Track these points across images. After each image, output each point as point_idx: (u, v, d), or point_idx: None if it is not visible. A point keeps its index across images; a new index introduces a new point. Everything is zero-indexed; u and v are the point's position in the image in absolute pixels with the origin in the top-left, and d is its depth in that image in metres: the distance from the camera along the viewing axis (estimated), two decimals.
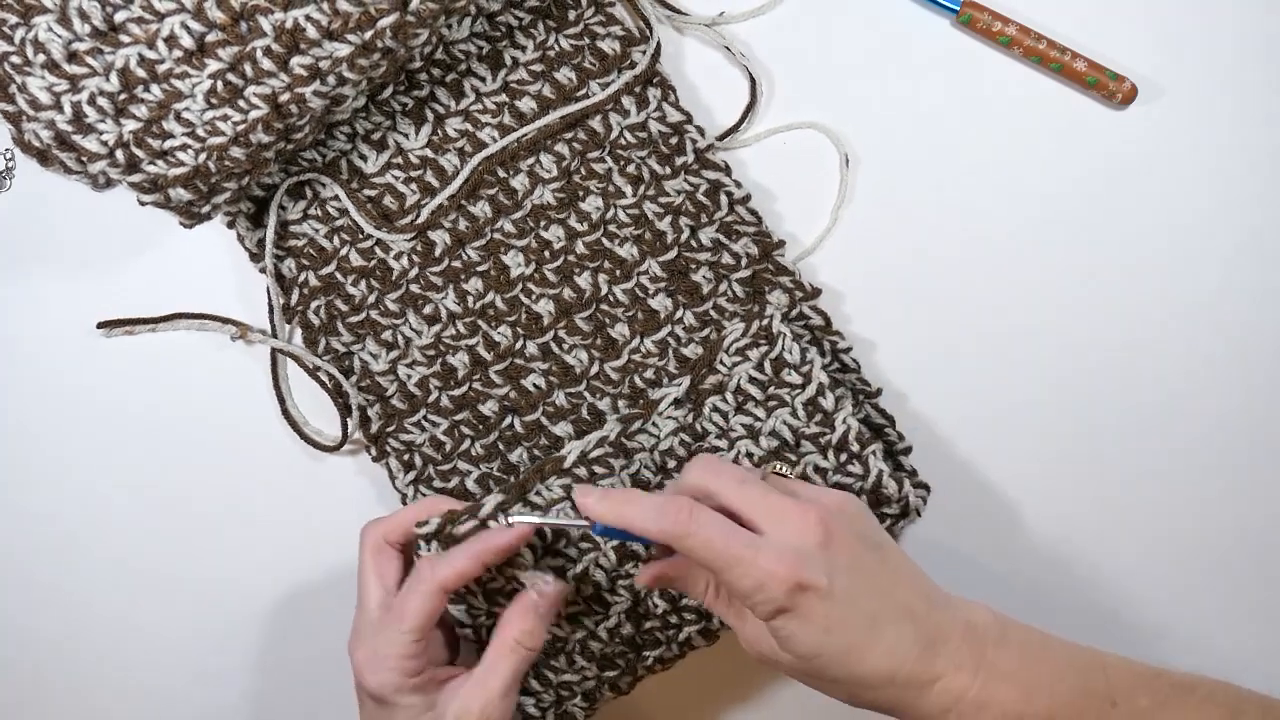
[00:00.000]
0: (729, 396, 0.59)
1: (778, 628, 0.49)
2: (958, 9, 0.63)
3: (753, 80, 0.64)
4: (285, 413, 0.64)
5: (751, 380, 0.58)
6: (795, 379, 0.58)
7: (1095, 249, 0.64)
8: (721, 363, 0.59)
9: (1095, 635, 0.62)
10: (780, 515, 0.49)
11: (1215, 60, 0.64)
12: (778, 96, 0.65)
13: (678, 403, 0.59)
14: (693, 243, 0.62)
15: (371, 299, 0.63)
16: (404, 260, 0.62)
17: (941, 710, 0.48)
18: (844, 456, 0.57)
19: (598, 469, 0.58)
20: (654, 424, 0.59)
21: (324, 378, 0.63)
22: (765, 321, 0.59)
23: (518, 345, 0.62)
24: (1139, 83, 0.63)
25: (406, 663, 0.52)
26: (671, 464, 0.59)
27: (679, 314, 0.62)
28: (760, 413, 0.58)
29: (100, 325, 0.64)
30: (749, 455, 0.58)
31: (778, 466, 0.55)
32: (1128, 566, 0.64)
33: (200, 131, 0.55)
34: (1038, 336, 0.64)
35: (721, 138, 0.64)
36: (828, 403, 0.58)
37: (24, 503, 0.65)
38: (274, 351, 0.64)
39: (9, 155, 0.65)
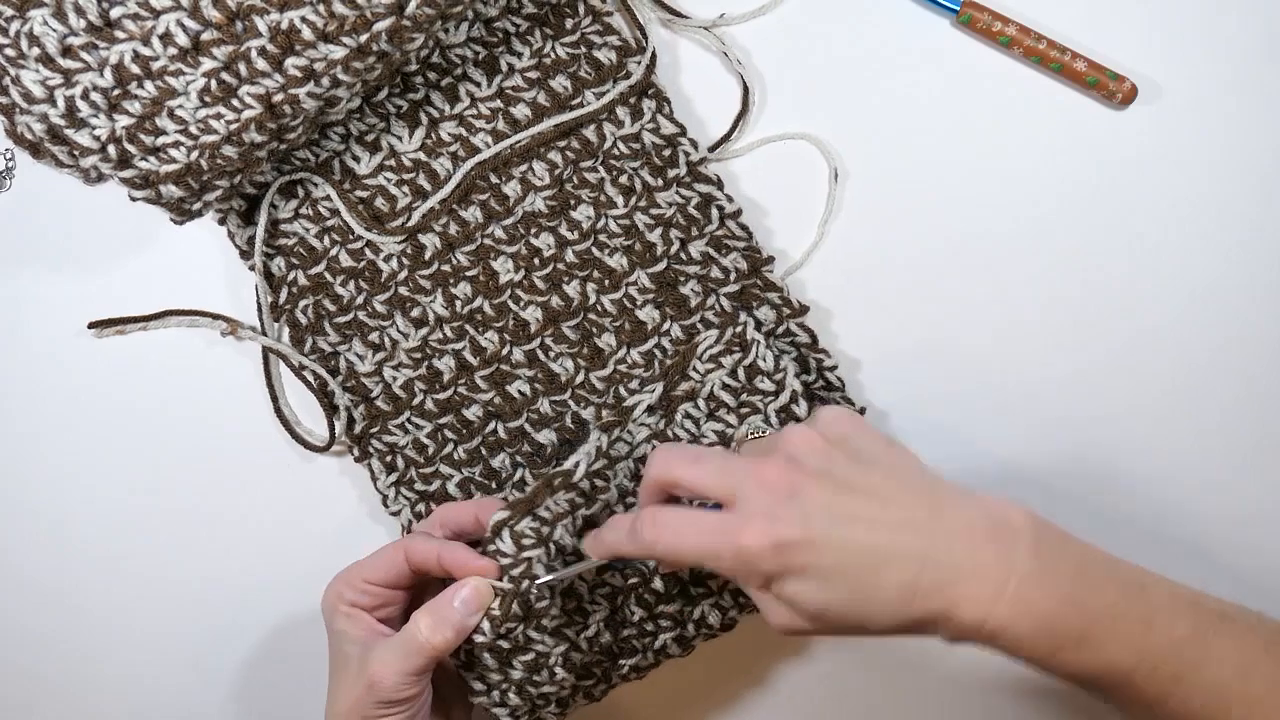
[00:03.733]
0: (701, 403, 0.59)
1: (780, 594, 0.47)
2: (958, 9, 0.63)
3: (746, 88, 0.64)
4: (278, 411, 0.64)
5: (724, 387, 0.58)
6: (769, 386, 0.58)
7: (1095, 249, 0.63)
8: (695, 369, 0.59)
9: None
10: (741, 480, 0.48)
11: (1215, 60, 0.63)
12: (777, 97, 0.65)
13: (651, 409, 0.59)
14: (682, 255, 0.62)
15: (360, 300, 0.63)
16: (394, 262, 0.63)
17: (975, 623, 0.46)
18: None
19: (598, 481, 0.57)
20: (629, 431, 0.59)
21: (310, 377, 0.63)
22: (739, 328, 0.59)
23: (504, 351, 0.63)
24: (1139, 83, 0.62)
25: (348, 592, 0.55)
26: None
27: (666, 326, 0.62)
28: (733, 419, 0.58)
29: (91, 325, 0.64)
30: None
31: (756, 430, 0.54)
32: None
33: (193, 129, 0.56)
34: (1032, 340, 0.63)
35: (713, 148, 0.64)
36: (801, 410, 0.58)
37: (15, 500, 0.66)
38: (265, 350, 0.64)
39: (9, 155, 0.65)
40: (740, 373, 0.58)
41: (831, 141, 0.64)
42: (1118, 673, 0.47)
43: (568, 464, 0.56)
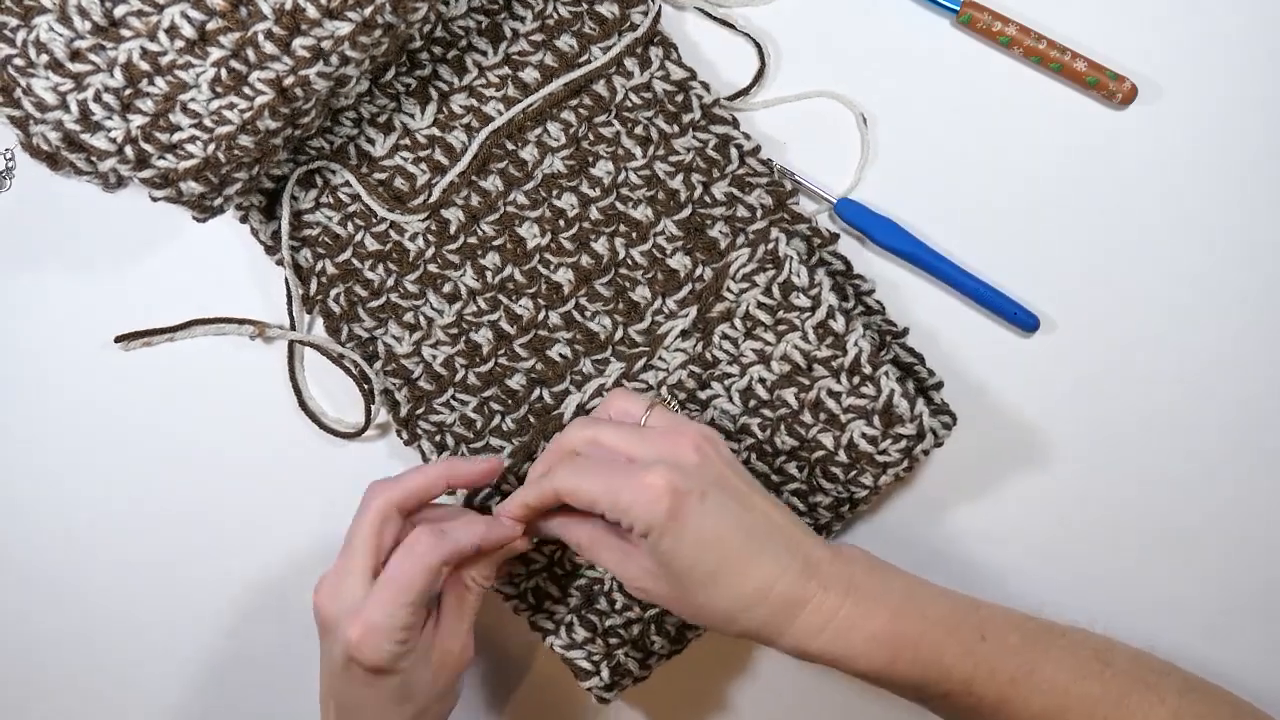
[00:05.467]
0: (738, 323, 0.58)
1: (657, 542, 0.49)
2: (958, 9, 0.63)
3: (759, 47, 0.64)
4: (302, 404, 0.64)
5: (760, 305, 0.58)
6: (804, 302, 0.58)
7: (1094, 249, 0.63)
8: (729, 289, 0.59)
9: (1106, 582, 0.63)
10: (655, 441, 0.51)
11: (1215, 60, 0.63)
12: (775, 94, 0.65)
13: (685, 334, 0.59)
14: (706, 199, 0.62)
15: (390, 282, 0.62)
16: (419, 241, 0.62)
17: (814, 631, 0.49)
18: (856, 379, 0.57)
19: None
20: (661, 359, 0.59)
21: (349, 365, 0.62)
22: (771, 245, 0.59)
23: (540, 316, 0.62)
24: (1139, 83, 0.62)
25: (407, 633, 0.52)
26: (681, 395, 0.59)
27: (698, 271, 0.62)
28: (770, 337, 0.58)
29: (118, 340, 0.64)
30: (761, 381, 0.58)
31: (663, 398, 0.56)
32: (1152, 513, 0.63)
33: (207, 122, 0.55)
34: (1036, 349, 0.63)
35: (731, 98, 0.64)
36: (838, 325, 0.58)
37: (52, 508, 0.66)
38: (290, 343, 0.64)
39: (9, 155, 0.65)
40: (775, 290, 0.58)
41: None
42: (957, 679, 0.50)
43: (561, 406, 0.60)
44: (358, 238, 0.62)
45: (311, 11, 0.54)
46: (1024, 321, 0.62)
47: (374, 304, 0.62)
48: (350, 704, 0.54)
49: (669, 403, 0.56)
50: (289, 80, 0.55)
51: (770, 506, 0.52)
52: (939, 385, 0.61)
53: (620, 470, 0.50)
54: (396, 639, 0.52)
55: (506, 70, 0.63)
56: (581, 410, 0.59)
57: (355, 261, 0.62)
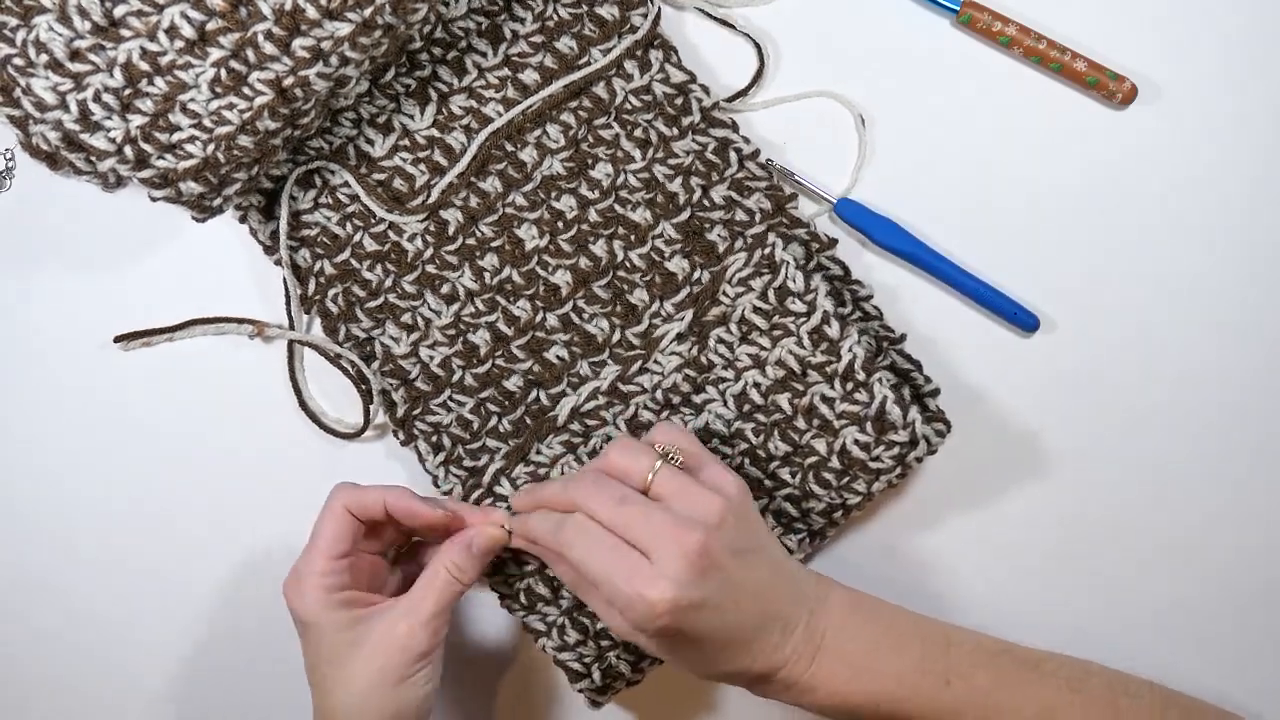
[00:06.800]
0: (733, 327, 0.58)
1: (645, 643, 0.51)
2: (958, 9, 0.63)
3: (759, 47, 0.64)
4: (303, 404, 0.64)
5: (755, 310, 0.58)
6: (799, 307, 0.58)
7: (1094, 249, 0.63)
8: (725, 293, 0.59)
9: (1100, 576, 0.63)
10: (661, 542, 0.49)
11: (1215, 60, 0.63)
12: (775, 94, 0.65)
13: (680, 338, 0.59)
14: (705, 202, 0.62)
15: (388, 283, 0.62)
16: (418, 241, 0.62)
17: (779, 690, 0.53)
18: (850, 385, 0.57)
19: (590, 421, 0.59)
20: (656, 362, 0.59)
21: (346, 365, 0.62)
22: (768, 250, 0.59)
23: (537, 318, 0.62)
24: (1139, 83, 0.62)
25: (325, 579, 0.53)
26: (676, 399, 0.59)
27: (696, 274, 0.62)
28: (766, 342, 0.58)
29: (117, 339, 0.64)
30: (756, 386, 0.58)
31: (669, 455, 0.53)
32: (1151, 512, 0.63)
33: (207, 122, 0.55)
34: (1035, 349, 0.63)
35: (730, 99, 0.64)
36: (833, 331, 0.58)
37: (52, 508, 0.66)
38: (290, 343, 0.64)
39: (9, 155, 0.65)
40: (770, 295, 0.58)
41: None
42: None
43: (556, 408, 0.60)
44: (356, 238, 0.62)
45: (311, 12, 0.54)
46: (1024, 321, 0.62)
47: (372, 304, 0.62)
48: (308, 665, 0.55)
49: (673, 459, 0.52)
50: (289, 81, 0.55)
51: (764, 583, 0.52)
52: (935, 392, 0.60)
53: (629, 563, 0.49)
54: (313, 584, 0.53)
55: (506, 72, 0.63)
56: (576, 413, 0.59)
57: (353, 262, 0.62)
